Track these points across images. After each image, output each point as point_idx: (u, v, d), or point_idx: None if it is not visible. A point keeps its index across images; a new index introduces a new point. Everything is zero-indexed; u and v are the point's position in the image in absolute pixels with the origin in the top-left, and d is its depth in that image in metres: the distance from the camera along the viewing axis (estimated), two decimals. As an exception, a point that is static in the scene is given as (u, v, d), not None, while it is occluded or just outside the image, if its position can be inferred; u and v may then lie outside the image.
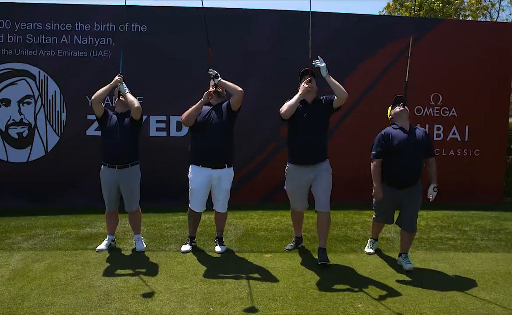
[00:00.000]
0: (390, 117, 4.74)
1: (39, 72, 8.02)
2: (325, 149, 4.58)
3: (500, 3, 13.06)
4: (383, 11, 14.86)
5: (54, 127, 8.09)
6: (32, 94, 8.07)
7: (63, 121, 8.11)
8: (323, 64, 4.35)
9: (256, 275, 4.09)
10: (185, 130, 7.76)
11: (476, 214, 7.04)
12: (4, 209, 7.00)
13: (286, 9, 9.14)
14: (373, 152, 4.52)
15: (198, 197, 4.77)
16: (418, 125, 5.35)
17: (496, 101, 8.81)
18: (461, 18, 13.18)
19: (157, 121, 8.06)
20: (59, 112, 8.11)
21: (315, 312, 3.31)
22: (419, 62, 8.51)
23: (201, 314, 3.19)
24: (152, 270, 4.23)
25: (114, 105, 5.14)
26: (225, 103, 4.81)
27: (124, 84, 4.88)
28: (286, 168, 4.69)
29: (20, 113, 8.07)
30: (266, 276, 4.07)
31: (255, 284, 3.83)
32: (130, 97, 4.82)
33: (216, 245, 5.02)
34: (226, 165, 4.74)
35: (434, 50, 8.69)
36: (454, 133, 8.84)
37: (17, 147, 8.09)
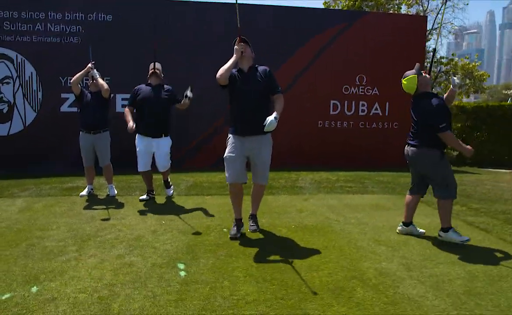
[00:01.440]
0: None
1: (16, 55, 9.40)
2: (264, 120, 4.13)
3: (429, -6, 15.21)
4: (328, 0, 16.84)
5: (31, 105, 9.54)
6: (10, 75, 9.46)
7: (39, 99, 9.57)
8: (271, 122, 4.07)
9: (197, 208, 5.83)
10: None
11: (381, 173, 9.02)
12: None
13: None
14: (443, 125, 4.20)
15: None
16: None
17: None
18: (394, 8, 15.19)
19: (122, 99, 9.61)
20: (36, 91, 9.55)
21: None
22: (347, 48, 10.48)
23: (156, 224, 4.90)
24: (122, 205, 5.88)
25: (89, 85, 6.50)
26: (166, 87, 6.09)
27: (95, 70, 6.26)
28: (228, 138, 4.47)
29: (0, 92, 9.48)
30: (204, 210, 5.80)
31: (194, 215, 5.58)
32: (100, 81, 6.26)
33: (165, 189, 6.57)
34: (163, 135, 5.99)
35: (359, 38, 10.59)
36: (376, 109, 10.84)
37: (-2, 122, 9.52)
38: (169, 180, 6.53)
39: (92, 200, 6.23)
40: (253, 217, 4.69)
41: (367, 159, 10.47)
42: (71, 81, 6.32)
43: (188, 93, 5.81)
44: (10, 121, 9.52)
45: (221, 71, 4.26)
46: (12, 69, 9.44)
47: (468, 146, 4.38)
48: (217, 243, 4.30)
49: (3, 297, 3.03)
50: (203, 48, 9.80)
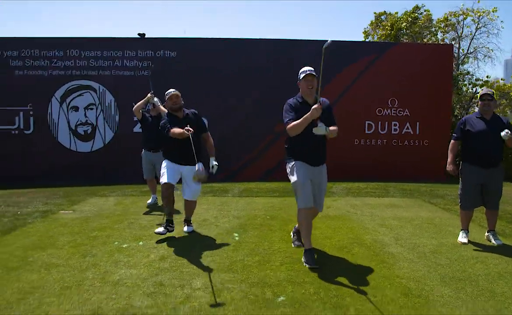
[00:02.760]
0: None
1: (99, 86, 11.72)
2: (325, 151, 4.56)
3: (464, 21, 16.42)
4: (367, 27, 18.44)
5: (110, 126, 11.78)
6: (94, 102, 11.76)
7: (117, 121, 11.80)
8: (323, 128, 4.24)
9: (247, 204, 7.54)
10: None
11: (406, 184, 10.39)
12: (76, 186, 10.57)
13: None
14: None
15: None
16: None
17: (441, 104, 12.20)
18: (428, 35, 16.53)
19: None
20: (113, 115, 11.79)
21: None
22: (379, 75, 12.04)
23: (216, 214, 6.64)
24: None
25: (150, 110, 7.37)
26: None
27: (156, 98, 7.06)
28: (291, 164, 4.49)
29: (86, 116, 11.77)
30: (253, 205, 7.50)
31: (245, 208, 7.28)
32: (161, 107, 6.86)
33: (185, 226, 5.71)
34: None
35: (391, 66, 12.13)
36: (407, 128, 12.26)
37: (83, 140, 11.79)
38: (191, 219, 5.80)
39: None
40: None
41: (399, 173, 11.87)
42: (134, 108, 7.32)
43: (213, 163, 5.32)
44: (93, 140, 11.79)
45: (294, 126, 4.29)
46: (95, 98, 11.75)
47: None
48: (261, 223, 6.05)
49: (124, 245, 4.92)
50: (248, 77, 11.74)
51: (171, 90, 5.50)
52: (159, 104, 7.09)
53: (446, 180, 11.24)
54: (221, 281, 3.84)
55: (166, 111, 6.26)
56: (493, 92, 5.20)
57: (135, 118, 11.49)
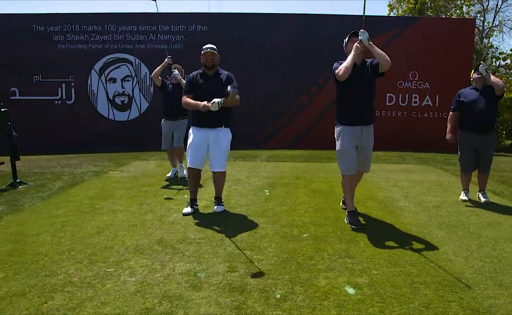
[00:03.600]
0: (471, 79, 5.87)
1: (135, 59, 12.68)
2: (373, 111, 4.84)
3: (488, -7, 16.73)
4: (392, 1, 18.83)
5: (145, 97, 12.78)
6: (130, 74, 12.76)
7: (151, 93, 12.78)
8: (365, 34, 4.51)
9: (275, 167, 8.46)
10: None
11: (423, 153, 11.15)
12: (115, 152, 11.60)
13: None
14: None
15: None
16: None
17: (460, 77, 12.74)
18: (452, 10, 16.89)
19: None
20: (148, 87, 12.78)
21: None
22: (401, 48, 12.63)
23: (247, 174, 7.57)
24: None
25: (170, 79, 7.37)
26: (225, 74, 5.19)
27: (176, 71, 7.09)
28: (339, 130, 4.74)
29: (122, 87, 12.79)
30: (280, 168, 8.40)
31: (273, 170, 8.20)
32: (182, 81, 6.87)
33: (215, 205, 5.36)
34: (223, 125, 5.11)
35: (413, 40, 12.71)
36: (427, 100, 12.91)
37: (120, 110, 12.84)
38: (221, 196, 5.45)
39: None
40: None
41: (418, 144, 12.59)
42: (152, 74, 7.31)
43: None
44: (129, 110, 12.83)
45: (343, 68, 4.49)
46: (132, 70, 12.73)
47: None
48: (288, 182, 6.97)
49: (172, 197, 5.90)
50: (274, 51, 12.52)
51: (208, 45, 5.16)
52: (180, 77, 7.12)
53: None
54: (256, 222, 4.79)
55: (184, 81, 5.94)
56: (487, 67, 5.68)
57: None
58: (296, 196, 6.07)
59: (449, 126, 6.05)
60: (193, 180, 5.22)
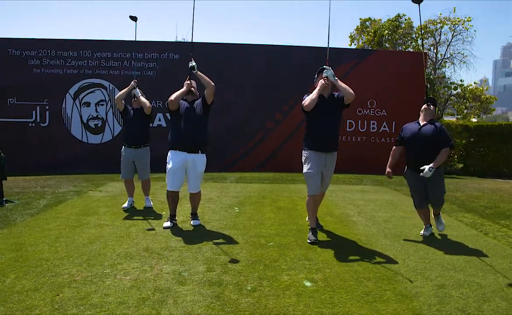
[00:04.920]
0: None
1: (109, 84, 13.33)
2: (338, 139, 5.55)
3: (441, 29, 18.25)
4: (353, 32, 20.22)
5: (118, 121, 13.39)
6: (104, 99, 13.37)
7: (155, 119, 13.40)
8: (330, 71, 5.19)
9: (243, 189, 9.24)
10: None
11: (380, 176, 12.06)
12: (90, 174, 12.13)
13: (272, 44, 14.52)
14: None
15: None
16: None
17: (414, 104, 13.91)
18: (408, 42, 18.35)
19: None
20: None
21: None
22: (360, 78, 13.76)
23: (218, 194, 8.33)
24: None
25: (132, 102, 7.02)
26: (199, 99, 5.81)
27: (137, 89, 6.80)
28: (306, 154, 5.33)
29: (96, 111, 13.38)
30: (248, 189, 9.20)
31: (241, 191, 8.98)
32: (142, 99, 6.73)
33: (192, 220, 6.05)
34: (199, 151, 5.70)
35: (370, 70, 13.88)
36: (384, 126, 14.05)
37: (94, 133, 13.40)
38: (197, 211, 6.14)
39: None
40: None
41: (376, 167, 13.60)
42: (116, 97, 6.93)
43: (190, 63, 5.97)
44: (102, 133, 13.40)
45: (309, 100, 5.18)
46: (106, 95, 13.35)
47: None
48: (256, 201, 7.77)
49: (151, 214, 6.58)
50: (243, 81, 13.44)
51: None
52: (139, 95, 6.83)
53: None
54: (228, 234, 5.55)
55: (148, 103, 6.75)
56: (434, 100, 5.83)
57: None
58: (263, 212, 6.87)
59: (390, 159, 5.83)
60: (172, 202, 5.93)
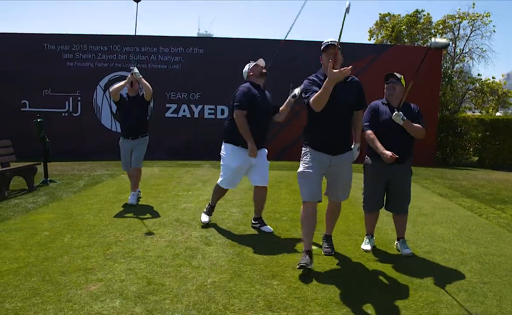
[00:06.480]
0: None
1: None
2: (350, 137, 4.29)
3: (460, 24, 18.65)
4: (373, 27, 20.76)
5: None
6: (132, 91, 14.28)
7: (151, 107, 14.28)
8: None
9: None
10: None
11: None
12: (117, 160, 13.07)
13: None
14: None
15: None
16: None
17: (430, 99, 14.58)
18: (427, 36, 18.78)
19: (209, 108, 14.16)
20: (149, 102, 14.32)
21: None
22: (376, 73, 14.39)
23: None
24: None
25: (128, 90, 6.57)
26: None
27: (136, 69, 6.28)
28: (305, 151, 4.30)
29: (125, 102, 14.30)
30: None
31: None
32: (144, 81, 6.35)
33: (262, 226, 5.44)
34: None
35: (388, 64, 14.47)
36: (400, 120, 14.63)
37: (122, 123, 14.34)
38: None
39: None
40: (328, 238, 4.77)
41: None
42: (112, 89, 6.41)
43: (296, 91, 5.09)
44: (130, 123, 14.33)
45: (319, 101, 3.87)
46: (134, 87, 14.26)
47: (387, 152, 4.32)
48: (272, 185, 8.52)
49: (179, 193, 7.45)
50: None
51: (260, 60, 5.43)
52: (140, 76, 6.36)
53: (433, 165, 13.75)
54: (247, 210, 6.36)
55: (149, 86, 6.41)
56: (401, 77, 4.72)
57: (168, 105, 14.19)
58: (279, 194, 7.67)
59: (378, 145, 4.43)
60: (219, 197, 5.65)
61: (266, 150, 5.36)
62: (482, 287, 3.80)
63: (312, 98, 3.93)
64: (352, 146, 4.33)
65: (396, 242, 4.86)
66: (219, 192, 5.52)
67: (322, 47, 4.19)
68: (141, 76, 6.34)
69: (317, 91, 3.93)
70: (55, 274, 3.77)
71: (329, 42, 4.13)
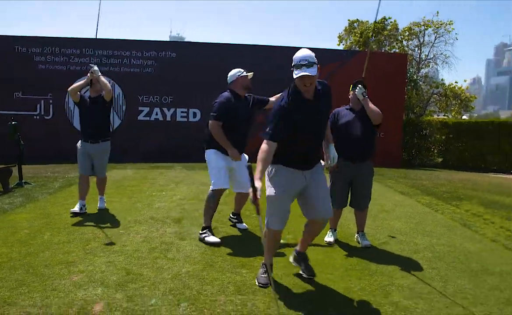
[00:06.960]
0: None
1: (109, 80, 14.41)
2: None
3: (425, 31, 19.52)
4: (342, 32, 21.44)
5: (118, 115, 14.51)
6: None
7: (123, 111, 14.53)
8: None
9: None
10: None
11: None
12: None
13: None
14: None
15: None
16: None
17: (396, 103, 15.22)
18: (394, 42, 19.57)
19: (181, 112, 14.44)
20: (121, 105, 14.53)
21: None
22: (344, 78, 14.93)
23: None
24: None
25: (89, 89, 6.28)
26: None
27: (96, 66, 6.05)
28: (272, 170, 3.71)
29: (97, 105, 14.44)
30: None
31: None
32: (103, 79, 6.01)
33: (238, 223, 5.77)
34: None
35: (353, 71, 15.02)
36: (367, 123, 15.22)
37: (95, 126, 14.47)
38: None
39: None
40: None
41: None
42: (70, 88, 6.08)
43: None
44: (103, 126, 14.48)
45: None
46: (106, 90, 14.42)
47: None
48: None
49: (153, 193, 7.74)
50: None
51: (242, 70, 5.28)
52: (99, 74, 6.08)
53: (399, 166, 14.36)
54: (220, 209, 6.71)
55: (109, 85, 6.17)
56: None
57: (141, 109, 14.41)
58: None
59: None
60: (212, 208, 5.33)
61: (247, 156, 5.31)
62: (430, 272, 4.27)
63: (268, 141, 3.51)
64: (329, 148, 4.01)
65: (356, 235, 5.27)
66: (212, 205, 5.22)
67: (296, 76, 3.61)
68: (100, 74, 6.07)
69: (281, 129, 3.49)
70: (39, 267, 4.04)
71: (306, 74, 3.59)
